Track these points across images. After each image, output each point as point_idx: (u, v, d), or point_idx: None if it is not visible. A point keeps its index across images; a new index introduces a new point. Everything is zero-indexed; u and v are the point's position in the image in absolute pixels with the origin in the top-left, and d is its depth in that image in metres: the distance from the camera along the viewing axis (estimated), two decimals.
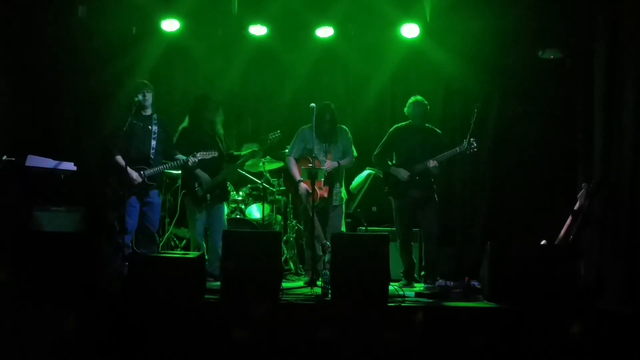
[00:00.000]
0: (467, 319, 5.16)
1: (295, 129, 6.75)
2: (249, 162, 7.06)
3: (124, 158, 6.08)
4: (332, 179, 6.51)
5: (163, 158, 6.38)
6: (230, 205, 7.35)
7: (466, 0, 7.18)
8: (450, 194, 7.37)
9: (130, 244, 6.26)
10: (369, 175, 7.34)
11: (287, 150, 6.75)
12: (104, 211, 6.39)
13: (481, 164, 7.43)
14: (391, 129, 6.65)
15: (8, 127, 6.86)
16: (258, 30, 7.44)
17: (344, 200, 6.69)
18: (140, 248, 6.29)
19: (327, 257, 5.99)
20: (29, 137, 6.96)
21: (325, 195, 6.47)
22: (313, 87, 7.84)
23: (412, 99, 6.52)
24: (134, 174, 6.13)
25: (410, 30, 7.36)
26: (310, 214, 6.29)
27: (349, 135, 6.65)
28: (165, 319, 4.98)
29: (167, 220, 7.18)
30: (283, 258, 6.98)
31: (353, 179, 7.29)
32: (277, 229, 7.35)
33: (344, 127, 6.66)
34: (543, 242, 6.11)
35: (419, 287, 6.31)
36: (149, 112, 6.36)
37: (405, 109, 6.56)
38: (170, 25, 7.39)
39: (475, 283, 5.97)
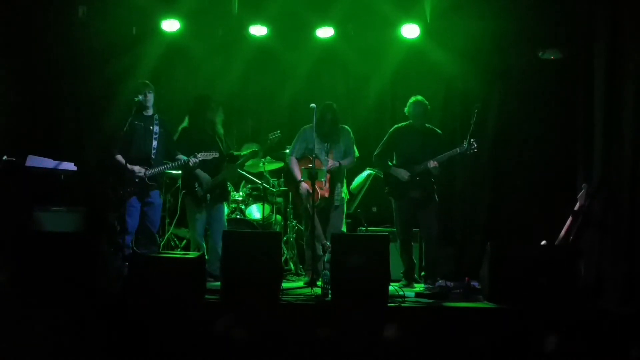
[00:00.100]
0: (467, 319, 5.15)
1: (295, 129, 6.74)
2: (249, 163, 7.06)
3: (124, 158, 6.08)
4: (333, 178, 6.51)
5: (164, 158, 6.38)
6: (231, 205, 7.35)
7: (466, 0, 7.20)
8: (450, 194, 7.37)
9: (131, 244, 6.26)
10: (369, 175, 7.34)
11: (287, 150, 6.75)
12: (104, 211, 6.40)
13: (481, 164, 7.43)
14: (391, 129, 6.65)
15: (8, 127, 6.87)
16: (258, 30, 7.45)
17: (345, 200, 6.69)
18: (141, 248, 6.29)
19: (327, 257, 5.99)
20: (29, 137, 6.97)
21: (326, 195, 6.47)
22: (313, 87, 7.84)
23: (412, 99, 6.52)
24: (136, 167, 6.13)
25: (410, 31, 7.36)
26: (311, 213, 6.29)
27: (351, 135, 6.64)
28: (166, 319, 4.98)
29: (167, 220, 7.19)
30: (283, 258, 6.98)
31: (353, 179, 7.29)
32: (277, 230, 7.34)
33: (346, 127, 6.65)
34: (543, 242, 6.11)
35: (419, 287, 6.31)
36: (150, 112, 6.36)
37: (406, 109, 6.55)
38: (171, 25, 7.40)
39: (475, 283, 5.96)
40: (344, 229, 6.65)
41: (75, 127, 7.50)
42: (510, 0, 7.10)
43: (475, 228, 7.49)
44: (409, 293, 5.77)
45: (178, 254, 6.21)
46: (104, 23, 7.33)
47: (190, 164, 6.28)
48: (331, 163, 6.44)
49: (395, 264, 6.18)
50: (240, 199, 7.49)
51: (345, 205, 6.68)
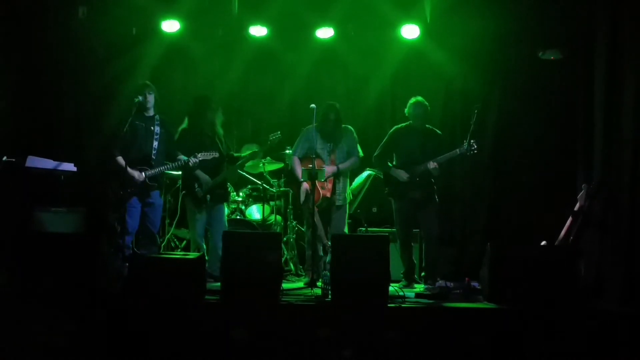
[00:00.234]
0: (467, 319, 5.16)
1: (296, 130, 6.74)
2: (249, 163, 7.06)
3: (124, 158, 6.08)
4: (335, 178, 6.50)
5: (165, 159, 6.37)
6: (231, 206, 7.35)
7: (466, 0, 7.19)
8: (450, 194, 7.36)
9: (131, 245, 6.26)
10: (369, 176, 7.34)
11: (288, 151, 6.74)
12: (104, 212, 6.40)
13: (481, 165, 7.43)
14: (391, 130, 6.65)
15: (8, 127, 6.86)
16: (258, 31, 7.45)
17: (348, 200, 6.68)
18: (141, 249, 6.29)
19: (327, 258, 5.98)
20: (29, 138, 6.96)
21: (328, 195, 6.46)
22: (313, 88, 7.85)
23: (412, 100, 6.51)
24: (135, 173, 6.13)
25: (410, 31, 7.36)
26: (311, 213, 6.29)
27: (355, 135, 6.63)
28: (166, 319, 4.98)
29: (167, 221, 7.19)
30: (283, 259, 6.98)
31: (353, 180, 7.29)
32: (277, 230, 7.34)
33: (349, 127, 6.64)
34: (543, 242, 6.10)
35: (419, 288, 6.30)
36: (151, 113, 6.35)
37: (406, 110, 6.55)
38: (171, 26, 7.40)
39: (475, 284, 5.95)
40: (346, 229, 6.64)
41: (75, 127, 7.50)
42: (510, 0, 7.10)
43: (475, 228, 7.49)
44: (409, 293, 5.77)
45: (178, 254, 6.20)
46: (104, 23, 7.33)
47: (190, 164, 6.27)
48: (329, 170, 6.42)
49: (395, 265, 6.19)
50: (240, 199, 7.49)
51: (348, 205, 6.67)
